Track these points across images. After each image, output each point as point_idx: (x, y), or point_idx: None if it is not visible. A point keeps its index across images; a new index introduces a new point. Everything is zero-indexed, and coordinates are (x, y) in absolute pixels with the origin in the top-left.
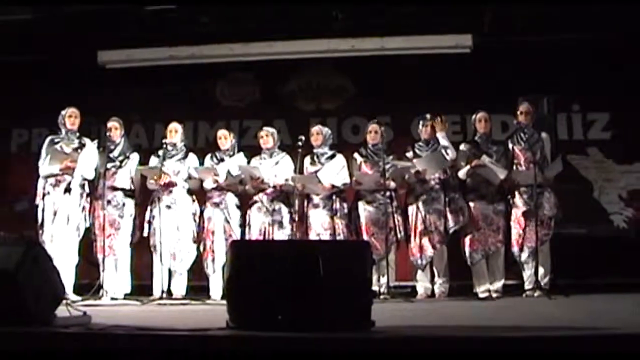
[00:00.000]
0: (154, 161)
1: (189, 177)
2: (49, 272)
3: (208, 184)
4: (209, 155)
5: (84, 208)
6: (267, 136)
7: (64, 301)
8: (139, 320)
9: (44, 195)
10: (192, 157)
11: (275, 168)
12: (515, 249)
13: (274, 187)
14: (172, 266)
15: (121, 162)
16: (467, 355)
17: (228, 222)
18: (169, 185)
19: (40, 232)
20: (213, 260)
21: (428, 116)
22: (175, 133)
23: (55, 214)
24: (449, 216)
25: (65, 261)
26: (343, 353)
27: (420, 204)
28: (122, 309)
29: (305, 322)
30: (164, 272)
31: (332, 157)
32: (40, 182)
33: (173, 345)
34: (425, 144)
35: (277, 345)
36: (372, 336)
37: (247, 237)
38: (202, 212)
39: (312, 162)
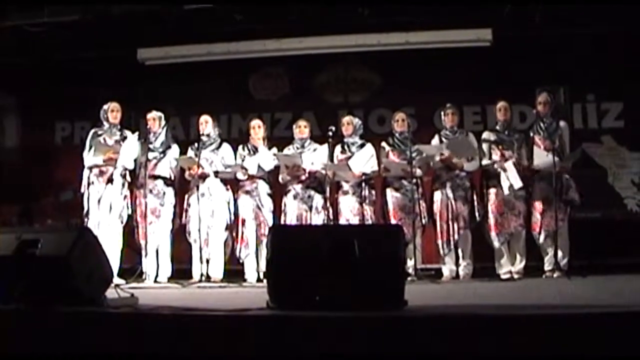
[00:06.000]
0: (190, 153)
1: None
2: (98, 257)
3: (239, 175)
4: (241, 146)
5: (125, 197)
6: (305, 127)
7: (112, 284)
8: (183, 301)
9: (88, 184)
10: (226, 147)
11: (311, 156)
12: (535, 232)
13: (309, 173)
14: (207, 251)
15: (162, 152)
16: (494, 332)
17: (260, 209)
18: (204, 176)
19: (86, 219)
20: (246, 245)
21: (448, 105)
22: (206, 124)
23: (99, 202)
24: (476, 205)
25: (109, 247)
26: (379, 330)
27: (446, 190)
28: (164, 292)
29: (342, 301)
30: (203, 257)
31: (361, 146)
32: (85, 172)
33: (218, 324)
34: (451, 131)
35: (316, 323)
36: (406, 314)
37: (282, 223)
38: (235, 200)
39: (343, 151)
